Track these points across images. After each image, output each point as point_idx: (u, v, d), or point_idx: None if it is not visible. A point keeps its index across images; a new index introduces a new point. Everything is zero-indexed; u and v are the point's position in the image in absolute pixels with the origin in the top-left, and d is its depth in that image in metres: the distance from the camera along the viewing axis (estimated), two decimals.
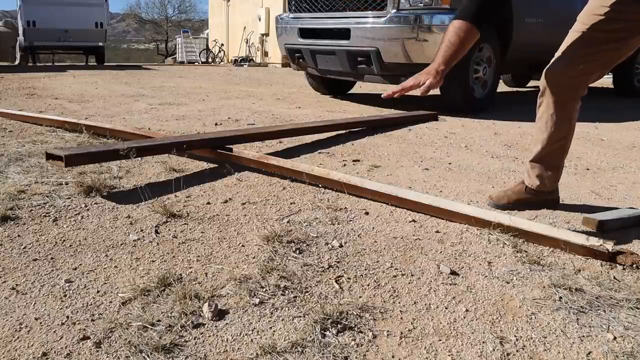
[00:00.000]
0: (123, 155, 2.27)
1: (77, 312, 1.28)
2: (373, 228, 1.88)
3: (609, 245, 1.63)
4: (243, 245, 1.70)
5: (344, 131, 3.56)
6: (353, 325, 1.25)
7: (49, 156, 2.21)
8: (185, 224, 1.86)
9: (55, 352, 1.13)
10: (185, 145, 2.56)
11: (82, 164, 2.35)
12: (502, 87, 7.21)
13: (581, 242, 1.67)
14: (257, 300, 1.34)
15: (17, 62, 14.39)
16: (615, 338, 1.24)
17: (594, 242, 1.65)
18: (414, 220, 1.95)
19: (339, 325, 1.24)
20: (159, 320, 1.24)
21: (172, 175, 2.41)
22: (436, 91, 5.32)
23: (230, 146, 2.65)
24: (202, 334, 1.21)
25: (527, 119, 4.43)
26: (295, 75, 8.72)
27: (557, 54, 1.88)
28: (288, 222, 1.91)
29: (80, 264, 1.53)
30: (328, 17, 4.98)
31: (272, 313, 1.30)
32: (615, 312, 1.35)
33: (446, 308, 1.36)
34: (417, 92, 1.73)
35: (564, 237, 1.70)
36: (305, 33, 5.23)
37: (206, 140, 2.68)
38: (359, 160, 2.86)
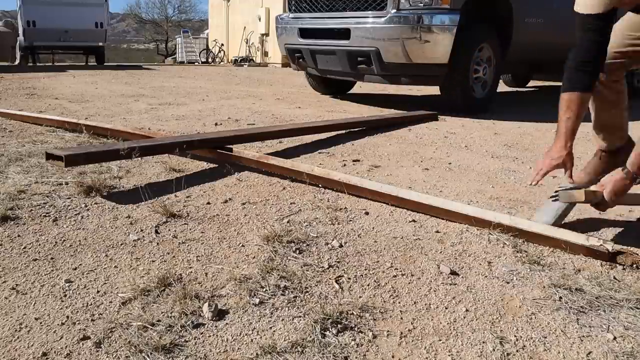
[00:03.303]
0: (123, 155, 2.27)
1: (77, 312, 1.28)
2: (373, 228, 1.88)
3: (609, 246, 1.63)
4: (243, 245, 1.70)
5: (344, 131, 3.56)
6: (353, 325, 1.25)
7: (49, 156, 2.21)
8: (185, 224, 1.86)
9: (55, 352, 1.13)
10: (185, 145, 2.56)
11: (82, 164, 2.35)
12: (502, 87, 7.21)
13: (581, 242, 1.67)
14: (257, 300, 1.34)
15: (17, 62, 14.38)
16: (615, 338, 1.24)
17: (594, 242, 1.65)
18: (414, 220, 1.95)
19: (339, 325, 1.24)
20: (159, 320, 1.24)
21: (172, 175, 2.41)
22: (436, 91, 5.32)
23: (230, 146, 2.65)
24: (202, 334, 1.21)
25: (527, 119, 4.44)
26: (295, 75, 8.72)
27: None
28: (288, 222, 1.91)
29: (80, 264, 1.53)
30: (328, 17, 4.98)
31: (272, 313, 1.30)
32: (615, 312, 1.35)
33: (446, 308, 1.36)
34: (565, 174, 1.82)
35: (564, 237, 1.70)
36: (305, 33, 5.23)
37: (206, 140, 2.68)
38: (359, 160, 2.86)
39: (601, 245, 1.63)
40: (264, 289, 1.40)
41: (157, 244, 1.69)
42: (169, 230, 1.80)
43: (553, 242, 1.72)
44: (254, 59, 16.08)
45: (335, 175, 2.27)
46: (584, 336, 1.25)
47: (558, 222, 1.85)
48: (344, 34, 4.71)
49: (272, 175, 2.44)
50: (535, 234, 1.75)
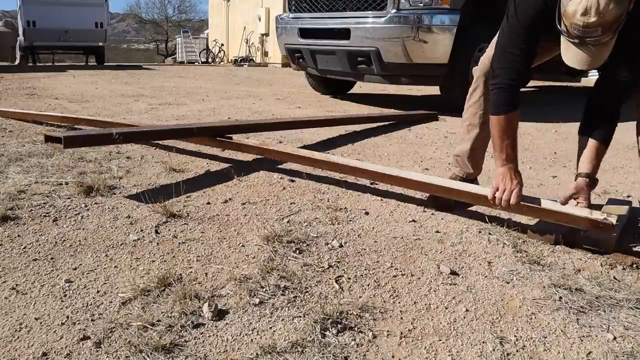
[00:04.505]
0: (119, 139, 2.26)
1: (77, 312, 1.28)
2: (373, 228, 1.88)
3: (613, 219, 1.62)
4: (243, 245, 1.70)
5: (344, 131, 3.56)
6: (353, 325, 1.25)
7: (48, 138, 2.18)
8: (185, 224, 1.86)
9: (55, 352, 1.13)
10: (184, 132, 2.55)
11: (79, 146, 2.34)
12: None
13: (585, 214, 1.66)
14: (257, 300, 1.34)
15: (17, 62, 14.37)
16: (615, 338, 1.24)
17: (598, 215, 1.64)
18: (414, 220, 1.95)
19: (339, 325, 1.24)
20: (159, 320, 1.24)
21: (172, 175, 2.41)
22: (436, 91, 5.31)
23: (230, 135, 2.65)
24: (202, 334, 1.21)
25: (527, 119, 4.43)
26: (295, 75, 8.72)
27: None
28: (288, 222, 1.91)
29: (80, 264, 1.53)
30: (328, 17, 4.98)
31: (272, 313, 1.30)
32: (615, 312, 1.35)
33: (446, 308, 1.36)
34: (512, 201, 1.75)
35: (567, 211, 1.69)
36: (305, 33, 5.23)
37: (205, 128, 2.67)
38: (359, 161, 2.86)
39: (605, 218, 1.62)
40: (264, 289, 1.40)
41: (157, 244, 1.69)
42: (169, 230, 1.80)
43: (555, 216, 1.71)
44: (254, 59, 16.07)
45: (334, 158, 2.30)
46: (584, 336, 1.25)
47: None
48: (344, 34, 4.71)
49: (272, 174, 2.44)
50: (538, 209, 1.74)
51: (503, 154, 1.79)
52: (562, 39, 1.56)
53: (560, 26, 1.53)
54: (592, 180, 1.77)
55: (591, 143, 1.77)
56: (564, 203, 1.72)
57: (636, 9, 1.50)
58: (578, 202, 1.72)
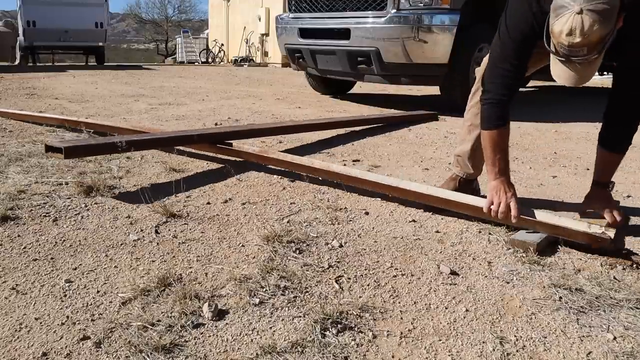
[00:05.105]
0: (120, 148, 2.26)
1: (77, 312, 1.28)
2: (373, 228, 1.88)
3: (611, 233, 1.62)
4: (243, 245, 1.70)
5: (343, 131, 3.56)
6: (353, 325, 1.25)
7: (48, 148, 2.19)
8: (185, 224, 1.86)
9: (55, 352, 1.13)
10: (184, 139, 2.55)
11: (80, 156, 2.34)
12: None
13: (583, 229, 1.66)
14: (257, 300, 1.34)
15: (17, 62, 14.37)
16: (615, 338, 1.24)
17: (596, 229, 1.64)
18: (414, 220, 1.95)
19: (339, 325, 1.24)
20: (159, 320, 1.24)
21: (172, 175, 2.41)
22: (436, 91, 5.31)
23: (230, 141, 2.65)
24: (202, 334, 1.21)
25: (527, 119, 4.43)
26: (295, 75, 8.72)
27: None
28: (288, 222, 1.91)
29: (80, 264, 1.53)
30: (328, 17, 4.98)
31: (272, 313, 1.30)
32: (615, 312, 1.35)
33: (446, 308, 1.36)
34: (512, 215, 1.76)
35: (565, 225, 1.69)
36: (305, 33, 5.23)
37: (206, 135, 2.68)
38: (359, 160, 2.86)
39: (603, 232, 1.63)
40: (264, 289, 1.40)
41: (157, 244, 1.69)
42: (169, 230, 1.80)
43: (554, 230, 1.71)
44: (254, 59, 16.07)
45: (335, 167, 2.29)
46: (584, 336, 1.25)
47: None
48: (344, 34, 4.71)
49: (272, 174, 2.44)
50: (536, 222, 1.74)
51: (495, 167, 1.81)
52: (551, 55, 1.58)
53: (549, 44, 1.55)
54: (602, 185, 1.85)
55: (600, 152, 1.85)
56: (582, 215, 1.79)
57: (629, 25, 1.51)
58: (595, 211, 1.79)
